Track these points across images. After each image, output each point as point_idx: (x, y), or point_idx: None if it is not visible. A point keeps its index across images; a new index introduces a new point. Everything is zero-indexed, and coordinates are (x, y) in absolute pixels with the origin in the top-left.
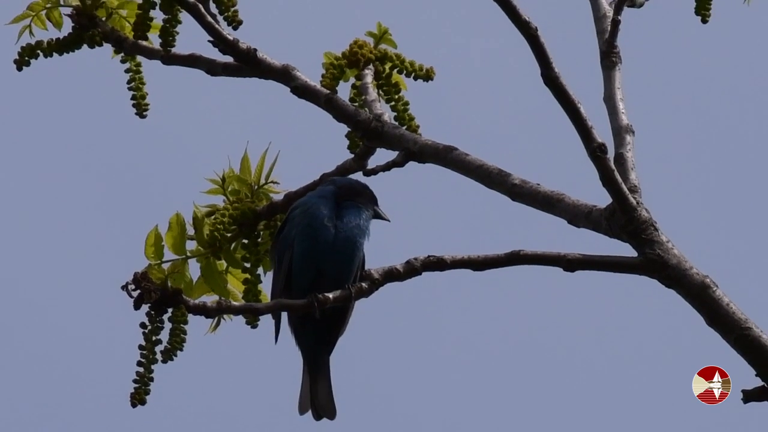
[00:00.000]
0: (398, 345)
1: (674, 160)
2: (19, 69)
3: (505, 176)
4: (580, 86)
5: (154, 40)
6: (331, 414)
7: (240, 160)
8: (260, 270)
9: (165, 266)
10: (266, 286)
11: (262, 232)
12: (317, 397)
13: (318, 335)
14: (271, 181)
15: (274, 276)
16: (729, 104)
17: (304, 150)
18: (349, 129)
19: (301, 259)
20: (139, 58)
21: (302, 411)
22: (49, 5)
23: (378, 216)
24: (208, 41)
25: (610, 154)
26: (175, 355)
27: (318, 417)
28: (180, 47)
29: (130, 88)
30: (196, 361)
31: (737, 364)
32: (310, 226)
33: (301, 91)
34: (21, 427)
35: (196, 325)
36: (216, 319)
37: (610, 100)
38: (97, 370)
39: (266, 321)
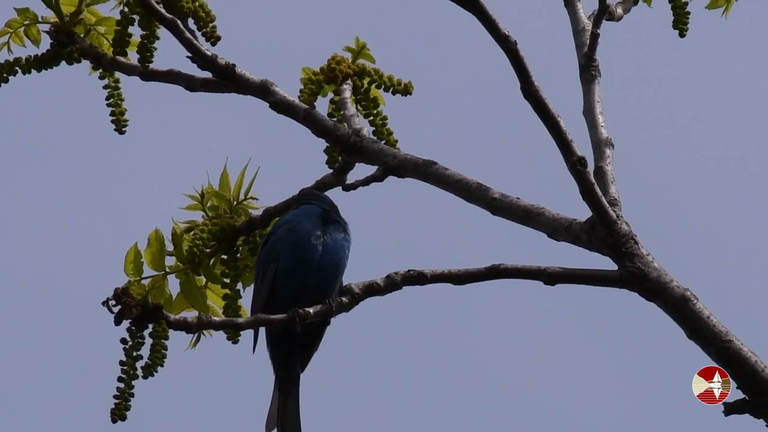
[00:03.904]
0: (377, 361)
1: (654, 173)
2: None
3: (485, 190)
4: (559, 100)
5: (132, 56)
6: None
7: (219, 176)
8: (240, 285)
9: (145, 282)
10: (245, 301)
11: (241, 248)
12: (284, 415)
13: (293, 351)
14: (251, 197)
15: (255, 289)
16: (708, 117)
17: (283, 165)
18: (328, 144)
19: (287, 275)
20: (118, 74)
21: (268, 429)
22: (27, 22)
23: None
24: (187, 57)
25: (590, 168)
26: (156, 371)
27: None
28: (158, 63)
29: (108, 105)
30: (177, 377)
31: None
32: (297, 244)
33: (280, 106)
34: None
35: (176, 340)
36: (196, 335)
37: (589, 113)
38: (78, 385)
39: (246, 336)
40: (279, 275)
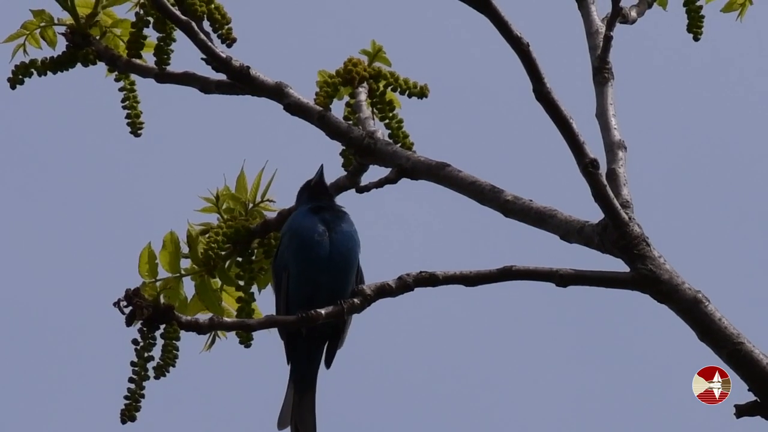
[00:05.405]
0: (389, 362)
1: (666, 175)
2: (13, 87)
3: (498, 192)
4: (571, 102)
5: (147, 58)
6: None
7: (235, 178)
8: (254, 288)
9: (159, 284)
10: (260, 303)
11: (256, 250)
12: (299, 414)
13: (311, 352)
14: (267, 200)
15: (275, 300)
16: (721, 120)
17: (297, 167)
18: (343, 146)
19: (299, 278)
20: (133, 77)
21: (281, 427)
22: (43, 24)
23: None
24: (202, 59)
25: (602, 170)
26: (168, 372)
27: None
28: (173, 65)
29: (124, 107)
30: (188, 378)
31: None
32: (301, 245)
33: (294, 108)
34: None
35: (188, 341)
36: (210, 337)
37: (602, 115)
38: (88, 385)
39: (259, 341)
40: (291, 280)
